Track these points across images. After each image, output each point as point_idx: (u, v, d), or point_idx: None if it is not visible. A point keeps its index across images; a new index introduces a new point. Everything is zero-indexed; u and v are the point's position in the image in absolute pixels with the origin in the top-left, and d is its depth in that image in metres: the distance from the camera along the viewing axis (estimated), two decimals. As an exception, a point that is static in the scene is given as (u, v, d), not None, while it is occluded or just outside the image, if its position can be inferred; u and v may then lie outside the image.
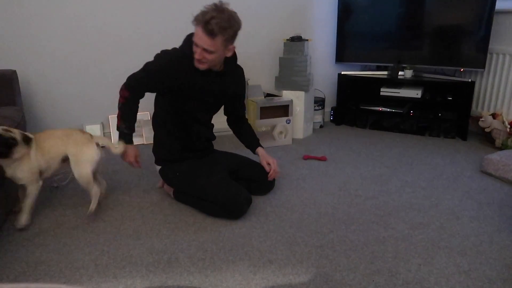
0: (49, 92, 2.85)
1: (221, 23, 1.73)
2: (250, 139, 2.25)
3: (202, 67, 1.86)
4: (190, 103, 1.98)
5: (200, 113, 2.06)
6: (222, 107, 2.21)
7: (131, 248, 1.68)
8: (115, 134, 3.00)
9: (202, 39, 1.76)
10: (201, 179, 1.96)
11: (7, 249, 1.67)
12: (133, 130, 2.00)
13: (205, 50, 1.78)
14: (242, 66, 2.19)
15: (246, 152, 2.30)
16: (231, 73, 2.03)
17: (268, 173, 2.11)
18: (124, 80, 1.94)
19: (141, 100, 3.16)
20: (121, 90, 1.93)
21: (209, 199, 1.91)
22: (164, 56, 1.93)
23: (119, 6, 2.86)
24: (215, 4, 1.77)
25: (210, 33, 1.73)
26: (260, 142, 2.24)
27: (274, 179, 2.19)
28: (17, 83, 2.44)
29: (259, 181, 2.15)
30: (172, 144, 2.06)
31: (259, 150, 2.19)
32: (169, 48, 1.98)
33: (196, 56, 1.81)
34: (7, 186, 1.92)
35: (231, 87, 2.10)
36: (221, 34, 1.75)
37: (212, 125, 2.22)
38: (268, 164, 2.13)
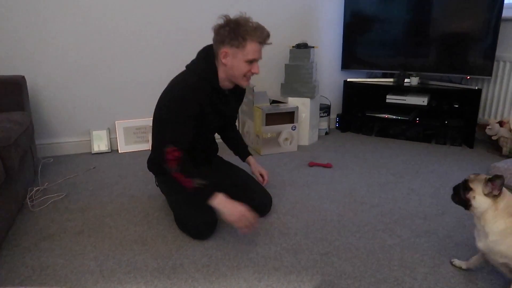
0: (56, 97, 2.88)
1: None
2: (240, 147, 2.18)
3: (248, 83, 1.84)
4: (208, 124, 1.87)
5: (212, 131, 1.99)
6: None
7: (136, 254, 1.69)
8: (120, 140, 3.02)
9: (260, 51, 1.74)
10: (175, 192, 1.89)
11: (13, 254, 1.68)
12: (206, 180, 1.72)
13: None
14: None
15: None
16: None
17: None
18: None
19: (147, 106, 3.19)
20: (168, 154, 1.69)
21: (177, 214, 1.87)
22: (186, 87, 1.74)
23: (126, 12, 2.89)
24: (243, 15, 1.73)
25: (265, 43, 1.74)
26: (249, 149, 2.17)
27: (270, 204, 2.03)
28: (25, 88, 2.47)
29: (252, 205, 1.88)
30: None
31: (250, 159, 2.13)
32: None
33: (257, 71, 1.77)
34: (14, 191, 1.94)
35: (239, 99, 2.07)
36: None
37: (245, 145, 2.20)
38: (261, 175, 2.09)
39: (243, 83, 1.80)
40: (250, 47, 1.70)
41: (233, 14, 1.77)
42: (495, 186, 1.35)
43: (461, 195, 1.45)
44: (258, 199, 1.97)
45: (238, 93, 2.01)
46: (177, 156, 1.69)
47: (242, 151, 2.18)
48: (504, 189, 1.37)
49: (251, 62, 1.73)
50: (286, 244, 1.75)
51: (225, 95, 1.88)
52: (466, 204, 1.43)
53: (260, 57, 1.76)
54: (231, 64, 1.74)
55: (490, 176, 1.36)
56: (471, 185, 1.40)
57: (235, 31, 1.67)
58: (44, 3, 2.69)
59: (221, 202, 1.67)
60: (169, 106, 1.74)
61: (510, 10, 3.05)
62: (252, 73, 1.78)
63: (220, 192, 1.69)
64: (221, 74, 1.79)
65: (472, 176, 1.42)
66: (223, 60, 1.74)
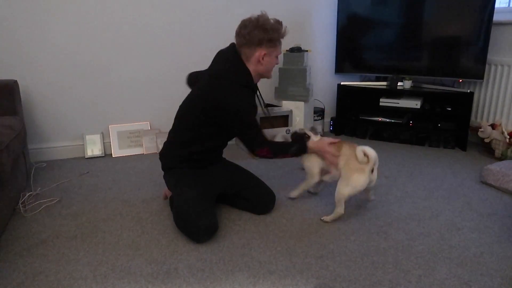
0: (49, 102, 2.86)
1: None
2: None
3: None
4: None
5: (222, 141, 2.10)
6: None
7: (130, 259, 1.67)
8: (114, 144, 3.01)
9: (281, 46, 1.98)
10: (181, 185, 1.90)
11: (6, 260, 1.66)
12: (291, 142, 2.04)
13: None
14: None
15: (253, 165, 2.30)
16: None
17: (267, 197, 2.09)
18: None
19: (141, 110, 3.18)
20: (260, 153, 1.92)
21: (178, 211, 1.85)
22: (244, 99, 1.91)
23: (119, 17, 2.88)
24: (263, 15, 1.89)
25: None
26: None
27: (273, 202, 2.10)
28: (18, 93, 2.46)
29: (255, 204, 2.06)
30: (177, 151, 2.00)
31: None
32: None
33: (278, 62, 2.00)
34: (6, 196, 1.92)
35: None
36: None
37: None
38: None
39: (270, 75, 2.02)
40: (280, 45, 1.94)
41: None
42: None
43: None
44: (262, 196, 2.07)
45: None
46: (267, 150, 1.91)
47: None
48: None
49: (277, 57, 1.97)
50: (281, 248, 1.75)
51: (256, 90, 2.07)
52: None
53: (279, 54, 1.99)
54: (267, 62, 1.93)
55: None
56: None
57: (270, 32, 1.85)
58: (37, 8, 2.68)
59: (313, 147, 2.00)
60: (237, 109, 1.86)
61: (501, 14, 3.09)
62: (277, 64, 2.00)
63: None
64: (252, 72, 1.94)
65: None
66: (261, 60, 1.90)
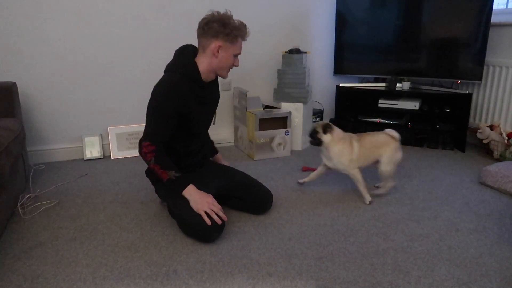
0: (48, 103, 2.86)
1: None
2: (210, 145, 2.30)
3: (227, 75, 1.98)
4: (196, 119, 1.93)
5: (202, 127, 2.05)
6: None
7: (129, 261, 1.67)
8: (113, 146, 3.01)
9: (241, 47, 1.93)
10: (177, 199, 1.88)
11: (4, 262, 1.66)
12: (180, 173, 1.84)
13: None
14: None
15: (244, 166, 2.30)
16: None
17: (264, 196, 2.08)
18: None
19: (140, 112, 3.19)
20: (143, 148, 1.80)
21: (182, 218, 1.85)
22: (168, 83, 1.82)
23: (118, 19, 2.88)
24: (225, 13, 1.86)
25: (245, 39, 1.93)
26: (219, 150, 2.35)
27: (270, 201, 2.10)
28: (17, 95, 2.45)
29: (253, 203, 2.06)
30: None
31: (218, 156, 2.32)
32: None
33: (237, 64, 1.95)
34: (5, 198, 1.92)
35: (217, 90, 2.13)
36: None
37: (211, 141, 2.24)
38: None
39: (225, 74, 1.95)
40: (239, 43, 1.89)
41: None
42: (327, 129, 2.18)
43: (314, 138, 2.21)
44: (259, 196, 2.06)
45: (215, 85, 2.09)
46: (152, 149, 1.80)
47: (211, 147, 2.30)
48: (333, 126, 2.22)
49: (235, 56, 1.91)
50: (280, 249, 1.75)
51: (206, 86, 1.96)
52: (319, 142, 2.21)
53: (240, 51, 1.93)
54: (221, 56, 1.87)
55: (325, 123, 2.21)
56: (317, 129, 2.19)
57: (228, 26, 1.82)
58: (36, 10, 2.68)
59: (191, 192, 1.82)
60: (152, 102, 1.83)
61: (499, 16, 3.10)
62: (235, 66, 1.96)
63: (192, 183, 1.85)
64: (206, 66, 1.89)
65: (315, 124, 2.23)
66: (215, 53, 1.85)
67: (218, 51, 1.84)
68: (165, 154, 1.85)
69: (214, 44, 1.83)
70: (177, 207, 1.87)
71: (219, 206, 1.81)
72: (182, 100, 1.82)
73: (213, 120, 2.13)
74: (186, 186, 1.82)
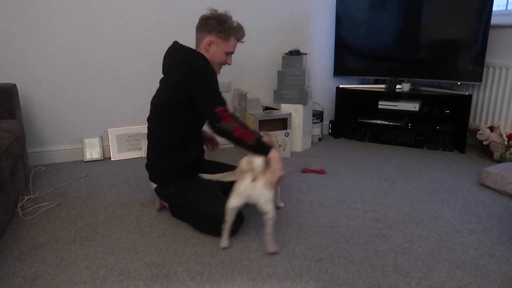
0: (48, 105, 2.86)
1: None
2: None
3: (219, 72, 2.04)
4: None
5: (202, 124, 2.10)
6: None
7: (128, 262, 1.67)
8: (113, 147, 3.01)
9: (235, 48, 2.00)
10: (193, 193, 1.91)
11: (4, 263, 1.66)
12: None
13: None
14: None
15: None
16: None
17: None
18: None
19: (140, 113, 3.18)
20: (220, 113, 1.76)
21: (198, 215, 1.87)
22: (203, 60, 1.92)
23: (118, 20, 2.89)
24: (224, 13, 1.94)
25: (241, 40, 2.01)
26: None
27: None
28: (17, 96, 2.46)
29: None
30: (172, 162, 1.99)
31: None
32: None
33: (230, 62, 2.03)
34: (4, 199, 1.92)
35: None
36: None
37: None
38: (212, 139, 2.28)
39: (218, 70, 2.01)
40: (232, 42, 1.96)
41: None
42: None
43: None
44: None
45: None
46: (230, 113, 1.78)
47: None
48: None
49: (228, 54, 1.99)
50: (280, 251, 1.75)
51: None
52: None
53: (234, 50, 2.01)
54: (213, 52, 1.96)
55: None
56: None
57: (224, 25, 1.91)
58: (35, 11, 2.69)
59: (276, 156, 1.73)
60: (197, 74, 1.83)
61: (499, 17, 3.10)
62: (227, 64, 2.03)
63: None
64: None
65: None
66: (207, 47, 1.95)
67: (210, 46, 1.94)
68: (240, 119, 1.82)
69: (207, 39, 1.93)
70: (192, 205, 1.88)
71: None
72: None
73: None
74: (270, 150, 1.74)
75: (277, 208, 1.88)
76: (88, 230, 1.94)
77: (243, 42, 2.06)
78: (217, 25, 1.90)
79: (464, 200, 2.28)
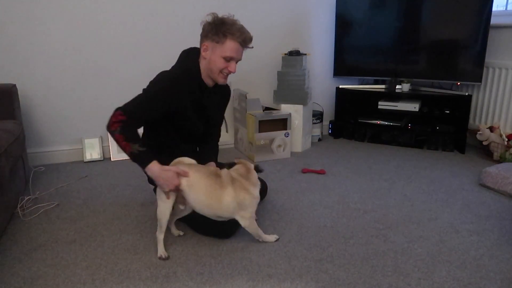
0: (48, 106, 2.86)
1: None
2: (209, 155, 2.05)
3: (225, 81, 1.88)
4: (191, 122, 1.89)
5: (191, 135, 1.96)
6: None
7: (128, 263, 1.67)
8: (113, 148, 3.01)
9: (239, 51, 1.81)
10: None
11: (3, 264, 1.66)
12: (148, 147, 1.69)
13: (237, 62, 1.83)
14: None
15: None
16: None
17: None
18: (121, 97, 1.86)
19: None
20: (114, 116, 1.69)
21: (197, 217, 1.83)
22: (168, 76, 1.80)
23: (118, 21, 2.89)
24: (226, 17, 1.80)
25: (245, 45, 1.82)
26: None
27: (265, 190, 2.16)
28: (16, 97, 2.46)
29: None
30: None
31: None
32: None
33: (233, 70, 1.83)
34: (4, 200, 1.91)
35: (224, 101, 2.11)
36: None
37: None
38: None
39: (219, 79, 1.85)
40: (229, 45, 1.77)
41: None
42: None
43: None
44: None
45: (222, 93, 2.05)
46: (121, 119, 1.67)
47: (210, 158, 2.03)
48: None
49: (228, 60, 1.80)
50: (280, 251, 1.75)
51: (208, 91, 1.92)
52: None
53: (239, 57, 1.83)
54: (209, 58, 1.81)
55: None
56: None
57: (218, 27, 1.76)
58: (35, 12, 2.69)
59: (153, 170, 1.64)
60: (150, 87, 1.77)
61: (498, 18, 3.10)
62: (229, 71, 1.83)
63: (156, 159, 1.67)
64: (202, 69, 1.86)
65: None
66: (203, 54, 1.82)
67: (206, 52, 1.81)
68: (134, 128, 1.70)
69: (203, 45, 1.82)
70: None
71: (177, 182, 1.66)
72: (176, 97, 1.78)
73: (225, 128, 2.08)
74: (150, 162, 1.65)
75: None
76: (88, 230, 1.94)
77: (251, 47, 1.87)
78: (211, 28, 1.77)
79: (464, 200, 2.28)
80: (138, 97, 1.76)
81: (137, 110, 1.72)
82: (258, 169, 1.78)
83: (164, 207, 1.70)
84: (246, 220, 1.72)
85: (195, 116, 1.89)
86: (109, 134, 1.76)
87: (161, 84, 1.77)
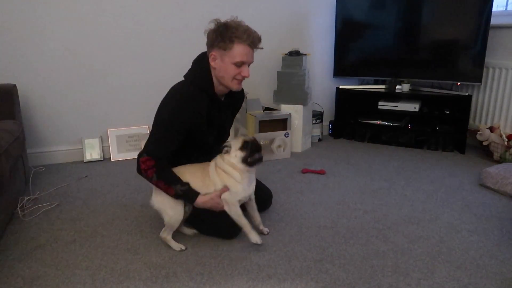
0: (48, 106, 2.86)
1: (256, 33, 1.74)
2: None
3: (239, 87, 1.81)
4: (207, 134, 1.84)
5: (207, 145, 1.90)
6: None
7: (128, 263, 1.67)
8: (113, 148, 3.01)
9: (249, 54, 1.74)
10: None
11: (4, 264, 1.66)
12: (187, 183, 1.72)
13: (249, 65, 1.76)
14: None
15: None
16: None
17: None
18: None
19: (139, 114, 3.18)
20: (141, 164, 1.69)
21: (202, 217, 1.85)
22: (180, 95, 1.74)
23: (118, 21, 2.89)
24: (234, 19, 1.73)
25: (255, 46, 1.75)
26: None
27: (270, 199, 2.13)
28: (17, 97, 2.46)
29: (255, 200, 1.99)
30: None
31: None
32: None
33: (246, 74, 1.75)
34: (4, 200, 1.92)
35: (236, 108, 2.09)
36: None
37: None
38: None
39: (233, 86, 1.78)
40: (237, 50, 1.69)
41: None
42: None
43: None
44: (260, 195, 1.98)
45: (234, 101, 2.01)
46: (151, 165, 1.68)
47: None
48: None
49: (239, 65, 1.72)
50: (280, 251, 1.75)
51: (220, 103, 1.88)
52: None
53: (250, 60, 1.76)
54: (219, 67, 1.74)
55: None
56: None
57: (223, 34, 1.68)
58: (36, 12, 2.69)
59: (203, 202, 1.73)
60: (160, 115, 1.74)
61: (498, 18, 3.10)
62: (243, 77, 1.76)
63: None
64: (214, 78, 1.79)
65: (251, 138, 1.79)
66: (212, 63, 1.75)
67: (214, 61, 1.74)
68: (167, 167, 1.73)
69: (211, 55, 1.74)
70: (197, 210, 1.84)
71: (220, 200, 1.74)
72: (193, 116, 1.73)
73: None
74: (196, 197, 1.72)
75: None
76: (88, 230, 1.94)
77: (261, 48, 1.78)
78: (216, 36, 1.69)
79: (464, 200, 2.28)
80: (156, 133, 1.73)
81: (161, 148, 1.72)
82: (248, 147, 1.71)
83: (177, 214, 1.75)
84: (226, 204, 1.75)
85: (207, 129, 1.84)
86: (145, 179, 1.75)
87: (177, 110, 1.71)
